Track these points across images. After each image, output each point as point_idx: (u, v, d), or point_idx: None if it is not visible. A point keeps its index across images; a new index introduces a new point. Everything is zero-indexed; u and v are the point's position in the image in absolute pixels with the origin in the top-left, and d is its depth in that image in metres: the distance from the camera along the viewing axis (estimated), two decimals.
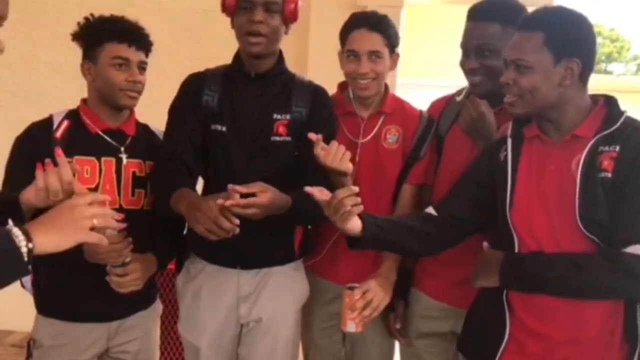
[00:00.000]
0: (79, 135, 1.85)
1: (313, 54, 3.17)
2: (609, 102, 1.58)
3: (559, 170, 1.55)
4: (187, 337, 1.96)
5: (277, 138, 1.86)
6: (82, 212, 1.21)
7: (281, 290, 1.94)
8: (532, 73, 1.51)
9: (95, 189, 1.81)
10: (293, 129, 1.86)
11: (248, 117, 1.84)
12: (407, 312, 2.05)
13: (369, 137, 2.01)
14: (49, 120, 1.86)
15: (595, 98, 1.60)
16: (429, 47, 6.53)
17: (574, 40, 1.51)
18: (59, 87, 3.40)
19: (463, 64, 1.87)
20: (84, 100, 1.92)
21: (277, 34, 1.82)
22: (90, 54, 1.85)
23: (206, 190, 1.93)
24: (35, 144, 1.81)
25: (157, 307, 2.07)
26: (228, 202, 1.55)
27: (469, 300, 1.85)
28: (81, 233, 1.20)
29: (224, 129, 1.84)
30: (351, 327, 1.79)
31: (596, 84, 1.59)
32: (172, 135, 1.87)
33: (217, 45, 3.28)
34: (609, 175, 1.47)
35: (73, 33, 1.87)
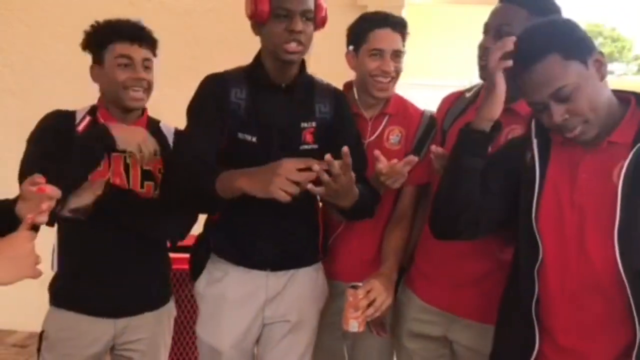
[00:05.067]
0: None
1: (314, 54, 3.16)
2: None
3: (596, 180, 1.44)
4: (208, 340, 1.92)
5: (306, 147, 1.85)
6: (26, 250, 1.28)
7: (305, 291, 1.95)
8: (580, 88, 1.39)
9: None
10: (319, 135, 1.86)
11: (277, 126, 1.83)
12: (398, 312, 2.03)
13: (372, 137, 2.03)
14: (72, 114, 1.92)
15: (623, 97, 1.49)
16: (429, 47, 6.53)
17: (581, 40, 1.42)
18: (59, 87, 3.40)
19: (480, 44, 1.81)
20: (100, 99, 1.96)
21: (311, 41, 1.82)
22: (97, 58, 1.89)
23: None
24: (60, 125, 1.87)
25: (170, 310, 2.07)
26: (325, 162, 1.51)
27: (461, 306, 1.83)
28: (26, 272, 1.28)
29: (254, 139, 1.81)
30: (354, 326, 1.77)
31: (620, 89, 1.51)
32: (197, 139, 1.80)
33: (217, 46, 3.30)
34: None
35: (82, 43, 1.92)
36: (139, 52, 1.87)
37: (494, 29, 1.77)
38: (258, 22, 1.79)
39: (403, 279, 2.02)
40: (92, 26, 1.92)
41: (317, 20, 1.81)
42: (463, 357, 1.91)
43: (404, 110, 2.06)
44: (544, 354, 1.53)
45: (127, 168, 1.91)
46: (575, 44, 1.41)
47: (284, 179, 1.49)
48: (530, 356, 1.52)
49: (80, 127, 1.88)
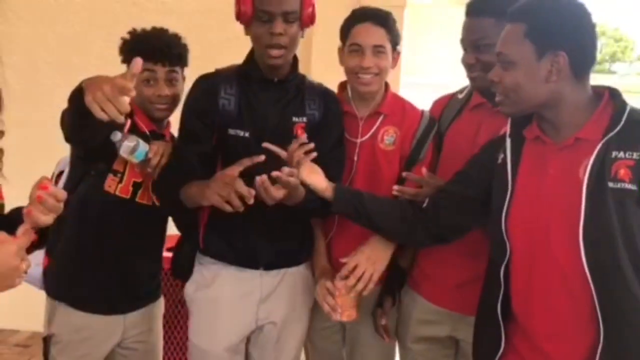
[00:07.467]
0: (136, 133, 1.92)
1: (316, 54, 3.16)
2: (614, 96, 1.44)
3: (562, 176, 1.44)
4: (201, 345, 1.91)
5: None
6: (10, 262, 1.20)
7: (296, 290, 1.96)
8: (515, 69, 1.42)
9: (140, 183, 1.95)
10: (308, 131, 1.87)
11: (269, 121, 1.84)
12: (403, 315, 2.02)
13: (366, 137, 1.99)
14: None
15: (598, 91, 1.47)
16: (430, 47, 6.53)
17: (557, 31, 1.39)
18: (62, 87, 3.38)
19: (463, 60, 1.86)
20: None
21: (296, 42, 1.82)
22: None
23: None
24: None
25: (162, 303, 2.17)
26: (275, 174, 1.60)
27: (467, 305, 1.82)
28: (7, 284, 1.21)
29: (246, 134, 1.83)
30: (336, 315, 1.80)
31: (600, 84, 1.50)
32: (182, 150, 1.87)
33: (219, 46, 3.30)
34: (629, 186, 1.34)
35: (119, 48, 1.98)
36: (162, 70, 1.92)
37: (470, 45, 1.79)
38: (242, 23, 1.81)
39: (407, 282, 2.03)
40: (124, 38, 1.96)
41: (304, 17, 1.80)
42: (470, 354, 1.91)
43: (401, 109, 2.02)
44: (518, 352, 1.54)
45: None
46: (545, 33, 1.40)
47: (220, 182, 1.59)
48: (496, 354, 1.54)
49: (125, 129, 1.87)
